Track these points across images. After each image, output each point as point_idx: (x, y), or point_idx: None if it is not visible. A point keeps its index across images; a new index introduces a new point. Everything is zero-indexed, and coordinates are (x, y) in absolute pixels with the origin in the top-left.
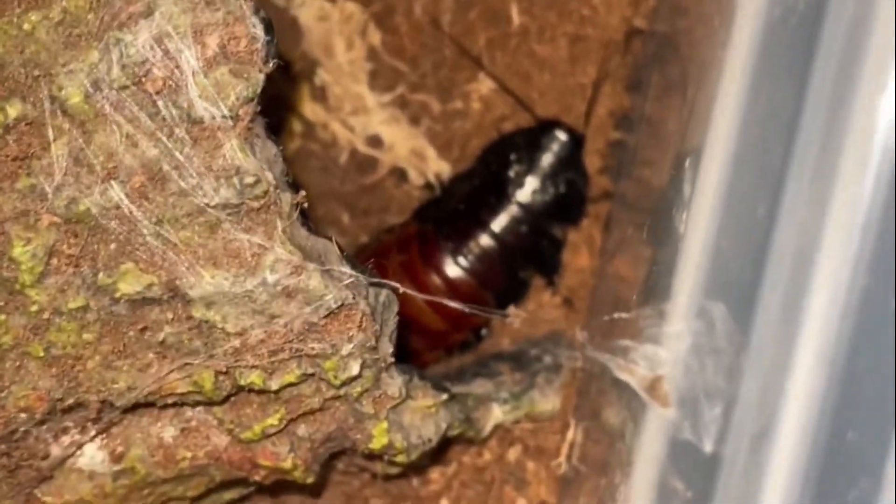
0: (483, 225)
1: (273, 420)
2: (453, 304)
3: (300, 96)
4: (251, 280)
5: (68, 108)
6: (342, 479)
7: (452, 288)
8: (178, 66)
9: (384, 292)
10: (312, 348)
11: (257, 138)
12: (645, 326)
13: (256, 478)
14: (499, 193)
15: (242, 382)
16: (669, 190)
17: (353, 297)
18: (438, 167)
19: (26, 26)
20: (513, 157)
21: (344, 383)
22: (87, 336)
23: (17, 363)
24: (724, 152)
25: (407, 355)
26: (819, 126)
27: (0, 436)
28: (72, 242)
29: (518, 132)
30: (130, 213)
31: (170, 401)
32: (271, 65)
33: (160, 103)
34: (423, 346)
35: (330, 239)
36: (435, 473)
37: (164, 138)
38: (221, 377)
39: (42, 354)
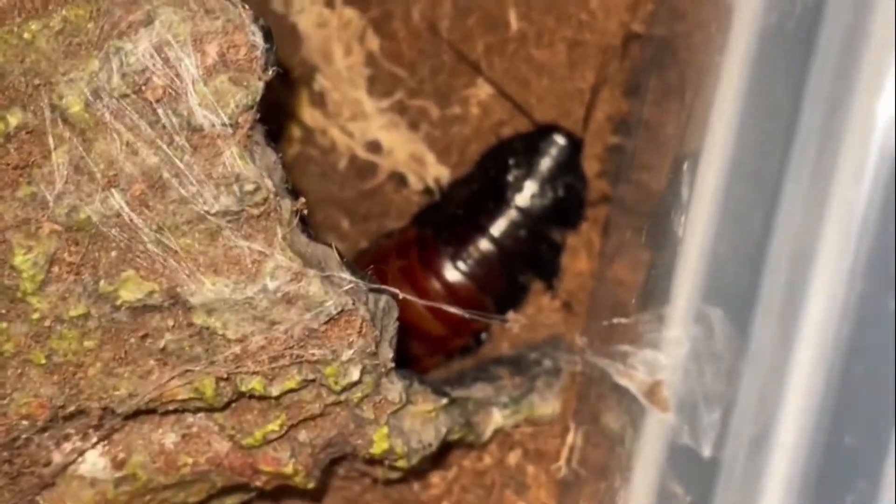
0: (482, 229)
1: (274, 426)
2: (453, 310)
3: (299, 102)
4: (252, 287)
5: (69, 117)
6: (343, 484)
7: (452, 293)
8: (177, 75)
9: (384, 298)
10: (313, 354)
11: (257, 146)
12: (644, 331)
13: (257, 483)
14: (498, 198)
15: (243, 388)
16: (668, 194)
17: (353, 303)
18: (437, 172)
19: (27, 35)
20: (511, 161)
21: (344, 389)
22: (88, 343)
23: (19, 371)
24: (721, 156)
25: (407, 360)
26: (816, 130)
27: (2, 443)
28: (73, 250)
29: (517, 137)
30: (131, 220)
31: (171, 407)
32: (271, 72)
33: (160, 111)
34: (423, 351)
35: (330, 245)
36: (435, 478)
37: (165, 146)
38: (222, 383)
39: (44, 362)
